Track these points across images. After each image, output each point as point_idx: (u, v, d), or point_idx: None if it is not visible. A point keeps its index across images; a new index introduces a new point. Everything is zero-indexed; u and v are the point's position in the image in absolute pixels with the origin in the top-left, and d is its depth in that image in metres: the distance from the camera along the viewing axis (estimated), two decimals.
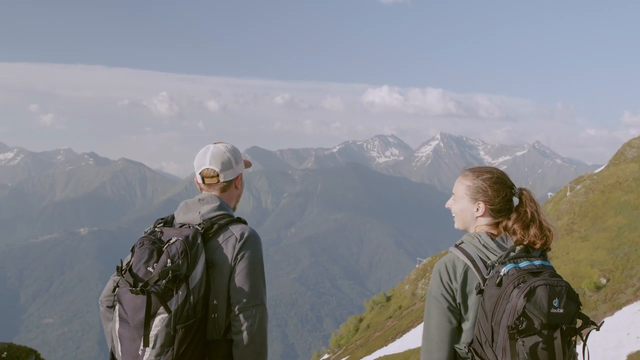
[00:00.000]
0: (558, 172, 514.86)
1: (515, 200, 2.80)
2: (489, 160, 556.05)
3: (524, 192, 2.82)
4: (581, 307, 2.44)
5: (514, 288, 2.39)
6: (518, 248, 2.63)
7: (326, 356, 52.79)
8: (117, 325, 2.62)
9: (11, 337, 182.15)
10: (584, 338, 2.56)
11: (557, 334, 2.36)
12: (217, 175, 2.95)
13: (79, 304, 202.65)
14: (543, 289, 2.36)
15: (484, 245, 2.70)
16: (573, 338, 2.43)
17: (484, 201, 2.80)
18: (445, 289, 2.68)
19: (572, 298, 2.41)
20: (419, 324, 35.90)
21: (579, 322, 2.45)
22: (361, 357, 36.58)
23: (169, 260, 2.55)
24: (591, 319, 2.64)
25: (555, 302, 2.35)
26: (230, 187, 3.02)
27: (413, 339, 32.92)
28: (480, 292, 2.54)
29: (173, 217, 2.93)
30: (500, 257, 2.58)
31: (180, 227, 2.82)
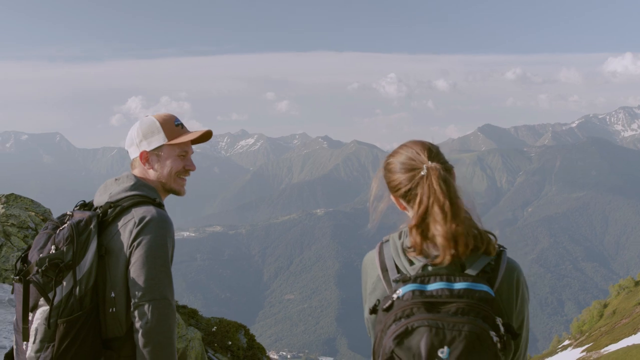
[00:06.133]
0: None
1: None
2: None
3: (429, 169, 1.97)
4: None
5: (394, 322, 1.79)
6: (439, 260, 1.91)
7: (567, 342, 50.85)
8: (14, 317, 2.40)
9: (257, 312, 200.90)
10: None
11: None
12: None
13: (317, 282, 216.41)
14: (424, 331, 1.73)
15: (403, 250, 2.01)
16: None
17: (390, 191, 2.10)
18: (362, 293, 2.16)
19: (477, 350, 1.73)
20: None
21: None
22: (606, 346, 34.70)
23: (53, 247, 2.30)
24: None
25: (443, 353, 1.71)
26: (139, 166, 2.64)
27: None
28: (374, 311, 1.96)
29: None
30: (417, 271, 1.94)
31: (95, 209, 2.52)
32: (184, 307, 11.43)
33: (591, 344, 39.67)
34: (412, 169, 2.00)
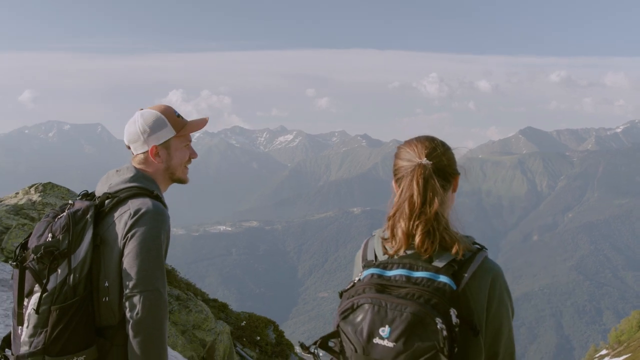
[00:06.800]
0: None
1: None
2: None
3: (417, 165, 2.04)
4: (444, 350, 1.72)
5: (348, 299, 1.88)
6: (407, 251, 1.97)
7: (604, 351, 49.87)
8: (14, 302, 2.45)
9: (290, 308, 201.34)
10: None
11: None
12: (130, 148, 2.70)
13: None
14: (367, 309, 1.79)
15: (383, 239, 2.10)
16: None
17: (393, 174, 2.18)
18: None
19: (418, 333, 1.73)
20: None
21: None
22: None
23: (50, 235, 2.37)
24: None
25: (384, 331, 1.75)
26: (147, 160, 2.66)
27: None
28: (341, 295, 1.98)
29: None
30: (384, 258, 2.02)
31: (94, 200, 2.59)
32: (215, 300, 11.51)
33: (629, 354, 38.93)
34: (409, 160, 2.06)
